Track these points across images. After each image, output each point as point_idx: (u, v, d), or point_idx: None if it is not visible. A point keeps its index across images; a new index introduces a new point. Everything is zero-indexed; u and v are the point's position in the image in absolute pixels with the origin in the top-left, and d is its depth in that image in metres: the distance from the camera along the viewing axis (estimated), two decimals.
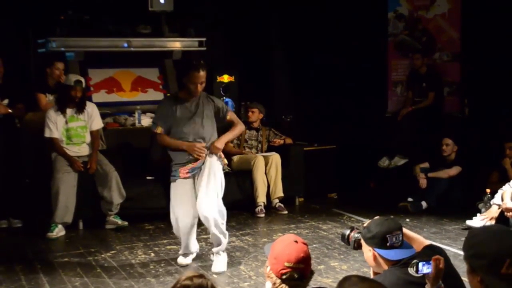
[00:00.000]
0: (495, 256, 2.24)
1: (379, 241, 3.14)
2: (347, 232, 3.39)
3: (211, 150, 5.56)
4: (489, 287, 2.25)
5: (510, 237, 2.30)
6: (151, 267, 5.69)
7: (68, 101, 6.94)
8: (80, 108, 7.00)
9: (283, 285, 2.78)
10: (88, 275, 5.46)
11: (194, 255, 5.84)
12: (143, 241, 6.60)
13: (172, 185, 5.62)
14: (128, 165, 7.55)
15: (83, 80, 7.07)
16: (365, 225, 3.27)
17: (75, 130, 6.99)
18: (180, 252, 5.79)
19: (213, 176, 5.51)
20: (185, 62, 5.63)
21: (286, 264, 2.77)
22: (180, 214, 5.56)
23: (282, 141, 8.35)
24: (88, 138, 7.06)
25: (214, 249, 5.63)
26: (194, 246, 5.80)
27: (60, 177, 6.81)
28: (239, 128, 5.82)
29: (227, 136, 5.75)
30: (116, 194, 7.00)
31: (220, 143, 5.62)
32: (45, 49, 8.20)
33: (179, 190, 5.56)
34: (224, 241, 5.62)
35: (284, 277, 2.77)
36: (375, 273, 3.26)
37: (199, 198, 5.48)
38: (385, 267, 3.15)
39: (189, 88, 5.50)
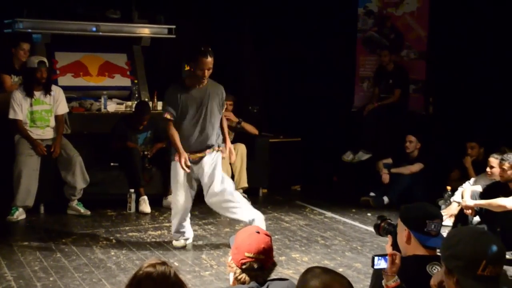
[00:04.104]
0: (471, 257, 2.22)
1: (418, 223, 3.09)
2: (378, 222, 3.35)
3: (231, 158, 6.00)
4: None
5: (486, 238, 2.28)
6: (112, 253, 5.68)
7: (35, 84, 6.86)
8: (47, 89, 6.92)
9: (243, 274, 2.81)
10: (48, 260, 5.43)
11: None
12: (105, 227, 6.58)
13: (172, 164, 5.76)
14: (93, 151, 7.51)
15: (45, 60, 6.99)
16: (407, 205, 3.26)
17: (39, 113, 6.91)
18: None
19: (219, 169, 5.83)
20: (192, 47, 5.67)
21: (247, 254, 2.80)
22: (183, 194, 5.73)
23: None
24: (52, 122, 6.99)
25: None
26: (190, 232, 5.99)
27: (23, 160, 6.74)
28: (225, 122, 6.09)
29: (227, 137, 5.98)
30: (79, 179, 6.95)
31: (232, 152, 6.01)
32: (11, 30, 8.09)
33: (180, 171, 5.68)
34: None
35: (244, 267, 2.80)
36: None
37: (217, 188, 5.74)
38: (414, 251, 3.10)
39: (196, 75, 5.54)
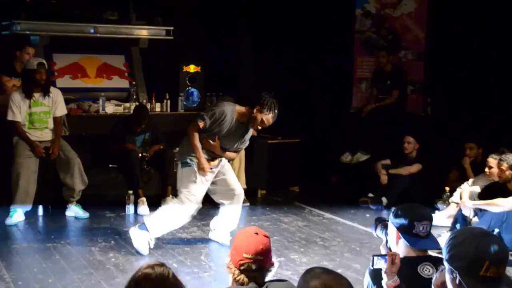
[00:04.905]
0: (474, 258, 2.22)
1: (406, 225, 3.10)
2: (376, 223, 3.39)
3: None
4: None
5: (489, 239, 2.28)
6: (111, 255, 5.68)
7: (34, 86, 6.85)
8: (46, 91, 6.92)
9: (242, 275, 2.81)
10: (47, 262, 5.42)
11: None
12: (103, 228, 6.57)
13: (187, 170, 5.73)
14: (91, 152, 7.51)
15: (45, 62, 6.99)
16: (398, 207, 3.28)
17: (38, 115, 6.90)
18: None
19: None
20: (269, 99, 5.62)
21: (245, 255, 2.80)
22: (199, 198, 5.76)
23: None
24: (51, 124, 6.98)
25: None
26: None
27: (21, 162, 6.73)
28: (233, 156, 6.08)
29: (227, 154, 5.91)
30: (78, 180, 6.95)
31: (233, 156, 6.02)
32: (9, 32, 8.08)
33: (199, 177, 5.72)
34: None
35: (242, 268, 2.80)
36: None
37: (235, 184, 6.00)
38: (405, 253, 3.10)
39: (252, 119, 5.61)
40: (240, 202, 6.08)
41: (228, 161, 6.08)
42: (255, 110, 5.58)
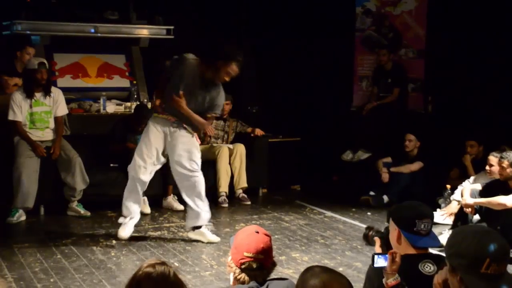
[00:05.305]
0: (475, 255, 2.22)
1: (407, 223, 3.10)
2: (366, 232, 3.42)
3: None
4: (469, 286, 2.24)
5: (490, 236, 2.28)
6: (112, 254, 5.68)
7: (35, 85, 6.85)
8: (47, 91, 6.92)
9: (243, 274, 2.82)
10: (48, 261, 5.43)
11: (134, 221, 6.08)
12: (105, 228, 6.58)
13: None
14: (92, 152, 7.51)
15: (46, 61, 6.99)
16: (398, 204, 3.28)
17: (39, 114, 6.91)
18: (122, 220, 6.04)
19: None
20: (231, 48, 5.62)
21: (246, 253, 2.80)
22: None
23: (259, 132, 8.36)
24: (52, 124, 6.99)
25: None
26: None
27: (23, 161, 6.73)
28: (203, 122, 5.82)
29: (194, 116, 5.75)
30: (79, 180, 6.95)
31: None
32: (10, 32, 8.09)
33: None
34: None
35: (243, 266, 2.81)
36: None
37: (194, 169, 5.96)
38: (406, 250, 3.10)
39: (217, 73, 5.53)
40: (196, 188, 5.98)
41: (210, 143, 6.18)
42: (218, 64, 5.53)
